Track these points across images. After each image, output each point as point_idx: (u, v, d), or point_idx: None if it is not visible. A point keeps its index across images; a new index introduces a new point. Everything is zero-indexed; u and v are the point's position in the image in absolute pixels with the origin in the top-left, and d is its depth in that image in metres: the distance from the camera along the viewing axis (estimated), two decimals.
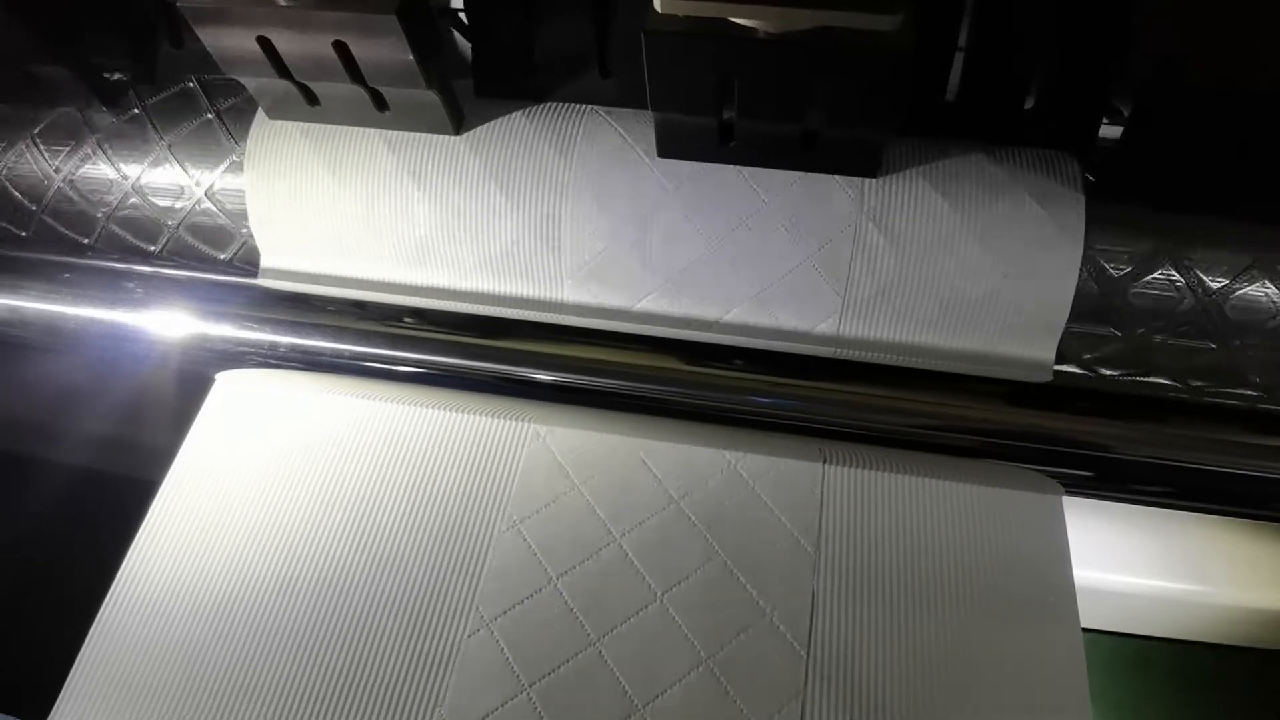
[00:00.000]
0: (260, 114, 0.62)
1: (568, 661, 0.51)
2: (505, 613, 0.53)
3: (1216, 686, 0.83)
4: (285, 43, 0.53)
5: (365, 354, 0.65)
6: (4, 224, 0.68)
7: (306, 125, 0.61)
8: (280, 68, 0.55)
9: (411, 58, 0.52)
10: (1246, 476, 0.57)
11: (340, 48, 0.52)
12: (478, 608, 0.53)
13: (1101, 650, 0.84)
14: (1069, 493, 0.57)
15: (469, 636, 0.52)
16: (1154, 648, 0.83)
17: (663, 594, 0.53)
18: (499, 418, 0.60)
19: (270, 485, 0.59)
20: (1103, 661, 0.84)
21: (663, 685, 0.49)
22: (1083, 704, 0.49)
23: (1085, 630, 0.79)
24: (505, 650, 0.51)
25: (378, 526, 0.56)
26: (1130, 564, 0.74)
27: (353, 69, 0.53)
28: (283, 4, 0.50)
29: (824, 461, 0.57)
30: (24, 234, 0.67)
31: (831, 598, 0.52)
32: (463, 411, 0.61)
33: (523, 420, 0.60)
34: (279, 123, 0.61)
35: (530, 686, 0.50)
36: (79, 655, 0.53)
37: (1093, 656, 0.82)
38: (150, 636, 0.53)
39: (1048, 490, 0.56)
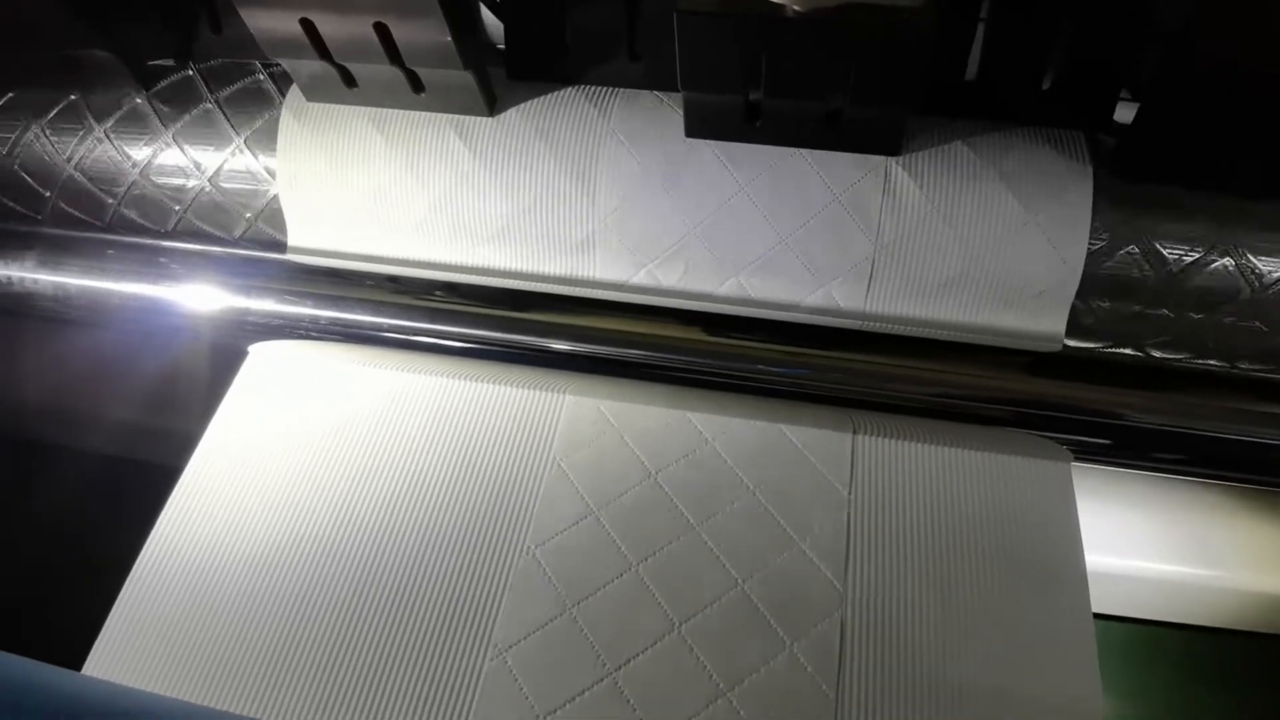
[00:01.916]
0: (291, 94, 0.64)
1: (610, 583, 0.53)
2: (549, 540, 0.55)
3: (1229, 672, 0.84)
4: (327, 24, 0.55)
5: (396, 326, 0.66)
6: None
7: (338, 106, 0.62)
8: (321, 49, 0.56)
9: (450, 38, 0.54)
10: (1255, 443, 0.59)
11: (381, 29, 0.54)
12: (527, 548, 0.54)
13: (1113, 636, 0.85)
14: (1087, 461, 0.59)
15: (513, 573, 0.53)
16: (1166, 634, 0.83)
17: (699, 524, 0.55)
18: (534, 389, 0.62)
19: (308, 450, 0.60)
20: (1114, 647, 0.84)
21: (700, 605, 0.52)
22: (1090, 656, 0.51)
23: (1097, 616, 0.80)
24: (550, 573, 0.54)
25: (422, 492, 0.58)
26: (1142, 549, 0.75)
27: (392, 50, 0.55)
28: None
29: (854, 431, 0.59)
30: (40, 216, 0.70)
31: (864, 561, 0.54)
32: (498, 383, 0.63)
33: (558, 391, 0.62)
34: (311, 103, 0.63)
35: (574, 606, 0.53)
36: (114, 607, 0.55)
37: (1104, 642, 0.82)
38: (186, 591, 0.55)
39: (1058, 457, 0.58)
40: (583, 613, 0.52)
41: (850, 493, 0.56)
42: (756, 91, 0.53)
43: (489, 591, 0.53)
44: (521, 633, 0.52)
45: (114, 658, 0.53)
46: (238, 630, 0.53)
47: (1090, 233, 0.55)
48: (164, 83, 0.66)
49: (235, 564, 0.56)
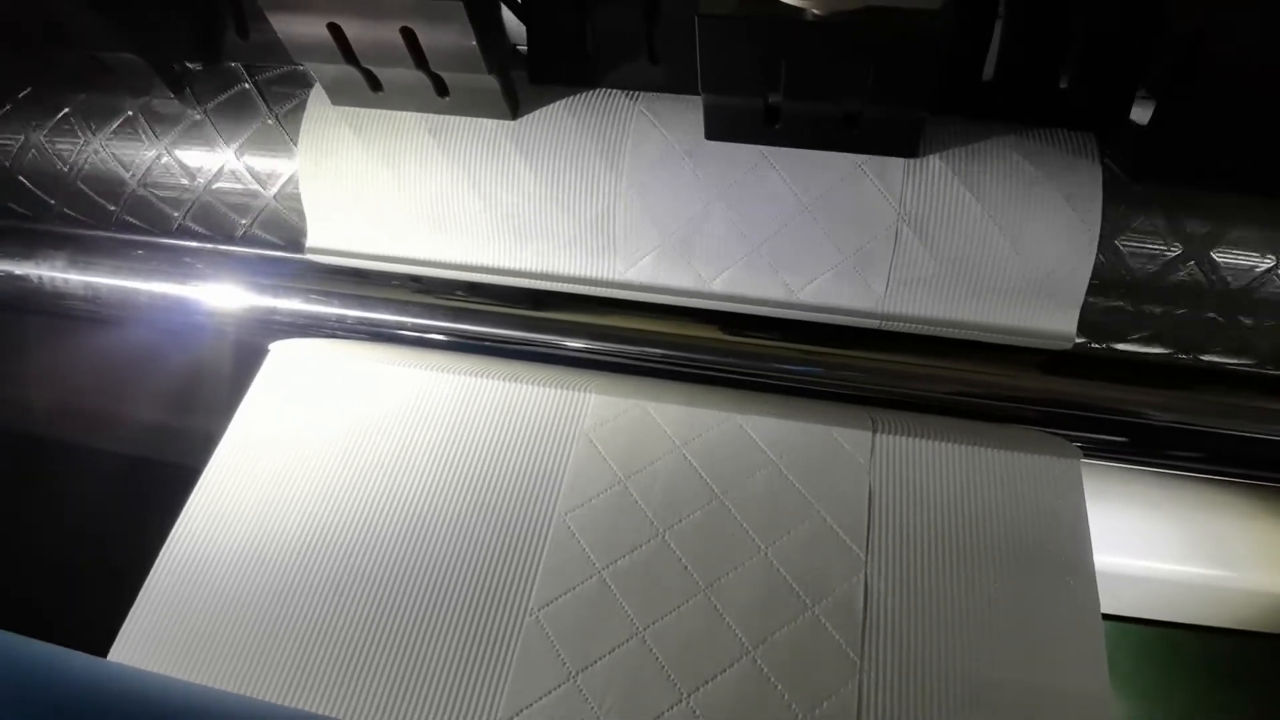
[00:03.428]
0: (313, 96, 0.65)
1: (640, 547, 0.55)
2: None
3: (1244, 673, 0.83)
4: (355, 29, 0.56)
5: (418, 325, 0.67)
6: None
7: (361, 109, 0.64)
8: (348, 54, 0.57)
9: (475, 43, 0.54)
10: (1268, 440, 0.59)
11: (407, 34, 0.55)
12: (557, 514, 0.56)
13: (1130, 637, 0.85)
14: (1098, 459, 0.60)
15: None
16: (1181, 635, 0.83)
17: (722, 493, 0.57)
18: (555, 387, 0.63)
19: (328, 447, 0.61)
20: (1131, 649, 0.84)
21: (723, 570, 0.54)
22: (1098, 651, 0.51)
23: (1113, 618, 0.80)
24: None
25: (445, 491, 0.59)
26: (1159, 550, 0.75)
27: (418, 55, 0.56)
28: None
29: (874, 430, 0.59)
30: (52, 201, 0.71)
31: (884, 560, 0.54)
32: (520, 382, 0.63)
33: (579, 390, 0.62)
34: (333, 105, 0.64)
35: (605, 569, 0.55)
36: (137, 599, 0.56)
37: (1122, 644, 0.83)
38: (208, 585, 0.56)
39: (1068, 454, 0.59)
40: (613, 576, 0.54)
41: (870, 487, 0.57)
42: (776, 94, 0.54)
43: (523, 570, 0.54)
44: (555, 594, 0.53)
45: (136, 649, 0.54)
46: (259, 625, 0.54)
47: (1101, 233, 0.56)
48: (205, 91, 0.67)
49: (257, 559, 0.57)
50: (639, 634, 0.52)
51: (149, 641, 0.54)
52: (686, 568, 0.54)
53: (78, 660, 0.30)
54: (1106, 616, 0.80)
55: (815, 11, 0.47)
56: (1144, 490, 0.73)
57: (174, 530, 0.59)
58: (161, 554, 0.57)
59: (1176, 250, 0.56)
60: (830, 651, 0.51)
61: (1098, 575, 0.69)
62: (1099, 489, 0.71)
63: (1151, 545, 0.74)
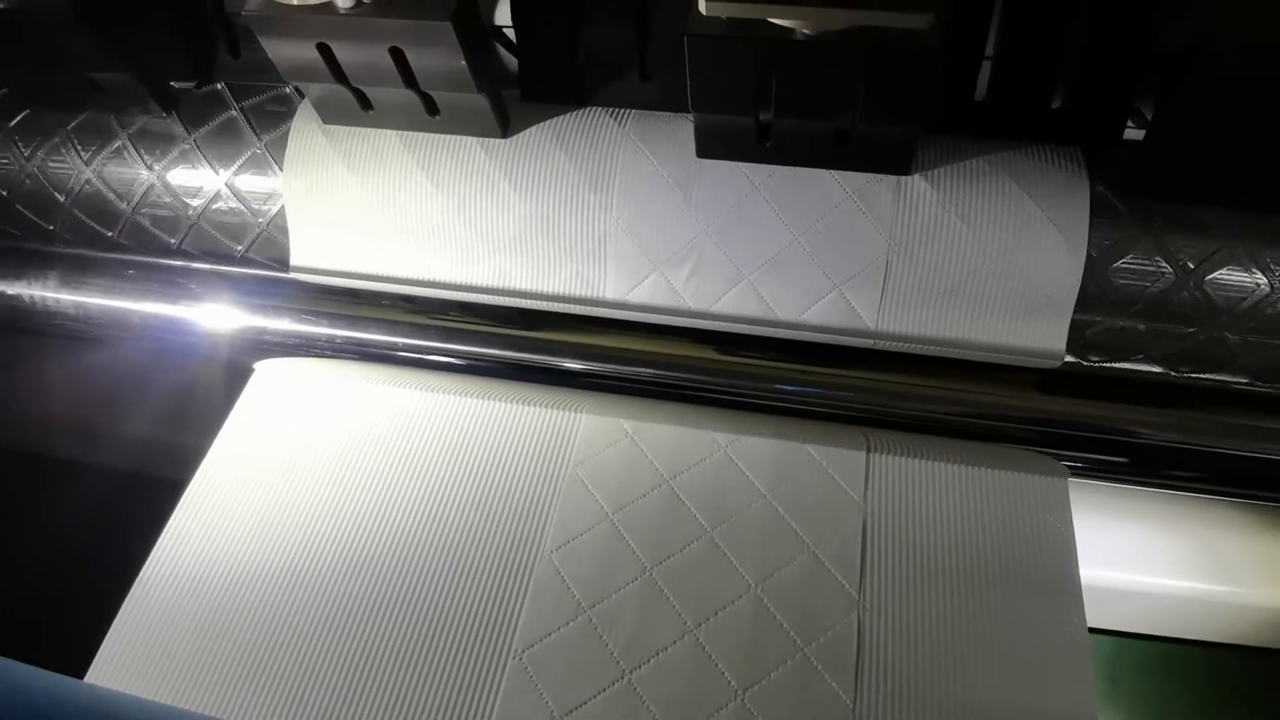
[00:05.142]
0: (299, 116, 0.65)
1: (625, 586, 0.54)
2: (565, 545, 0.55)
3: (1246, 688, 0.83)
4: (344, 50, 0.56)
5: (408, 345, 0.67)
6: (33, 217, 0.71)
7: (347, 129, 0.63)
8: (338, 74, 0.57)
9: (464, 63, 0.54)
10: (1259, 459, 0.59)
11: (396, 54, 0.55)
12: (544, 556, 0.55)
13: (1132, 653, 0.84)
14: (1086, 478, 0.60)
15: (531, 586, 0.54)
16: (1184, 650, 0.83)
17: (713, 529, 0.56)
18: (548, 407, 0.62)
19: (312, 466, 0.61)
20: (1133, 664, 0.84)
21: (713, 609, 0.53)
22: (1085, 670, 0.51)
23: (1116, 633, 0.80)
24: (567, 579, 0.53)
25: (435, 511, 0.58)
26: (1160, 566, 0.74)
27: (407, 74, 0.56)
28: (342, 12, 0.52)
29: (868, 450, 0.59)
30: (51, 227, 0.71)
31: (876, 574, 0.54)
32: (512, 401, 0.63)
33: (573, 410, 0.62)
34: (318, 125, 0.64)
35: (591, 608, 0.54)
36: (115, 619, 0.56)
37: (1123, 659, 0.83)
38: (189, 603, 0.55)
39: (1055, 473, 0.59)
40: (598, 615, 0.53)
41: (864, 507, 0.57)
42: (767, 113, 0.54)
43: (508, 604, 0.54)
44: (540, 634, 0.52)
45: (115, 668, 0.54)
46: (238, 644, 0.54)
47: (1089, 249, 0.56)
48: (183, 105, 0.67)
49: (239, 577, 0.56)
50: (625, 678, 0.52)
51: (128, 660, 0.54)
52: (676, 607, 0.54)
53: (49, 680, 0.30)
54: (1110, 632, 0.80)
55: (805, 31, 0.47)
56: (1146, 506, 0.73)
57: (155, 549, 0.58)
58: (142, 573, 0.57)
59: (1165, 267, 0.56)
60: (823, 669, 0.51)
61: (1101, 591, 0.69)
62: (1100, 505, 0.70)
63: (1154, 561, 0.74)
